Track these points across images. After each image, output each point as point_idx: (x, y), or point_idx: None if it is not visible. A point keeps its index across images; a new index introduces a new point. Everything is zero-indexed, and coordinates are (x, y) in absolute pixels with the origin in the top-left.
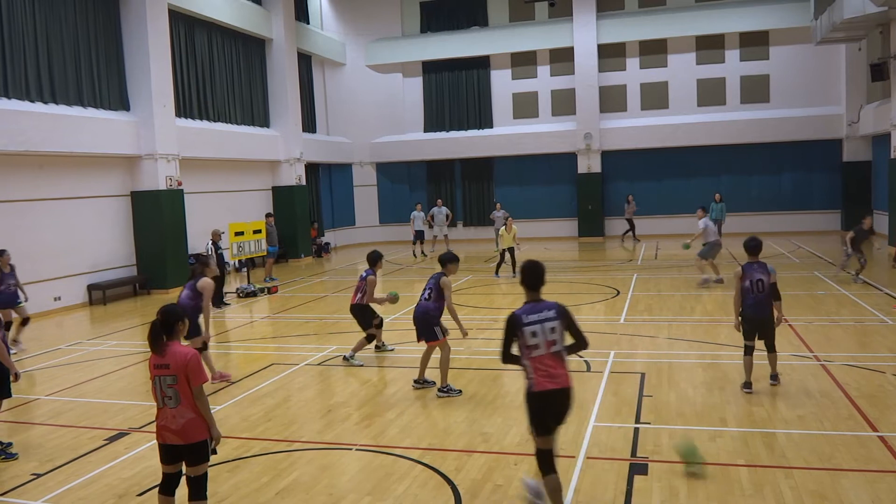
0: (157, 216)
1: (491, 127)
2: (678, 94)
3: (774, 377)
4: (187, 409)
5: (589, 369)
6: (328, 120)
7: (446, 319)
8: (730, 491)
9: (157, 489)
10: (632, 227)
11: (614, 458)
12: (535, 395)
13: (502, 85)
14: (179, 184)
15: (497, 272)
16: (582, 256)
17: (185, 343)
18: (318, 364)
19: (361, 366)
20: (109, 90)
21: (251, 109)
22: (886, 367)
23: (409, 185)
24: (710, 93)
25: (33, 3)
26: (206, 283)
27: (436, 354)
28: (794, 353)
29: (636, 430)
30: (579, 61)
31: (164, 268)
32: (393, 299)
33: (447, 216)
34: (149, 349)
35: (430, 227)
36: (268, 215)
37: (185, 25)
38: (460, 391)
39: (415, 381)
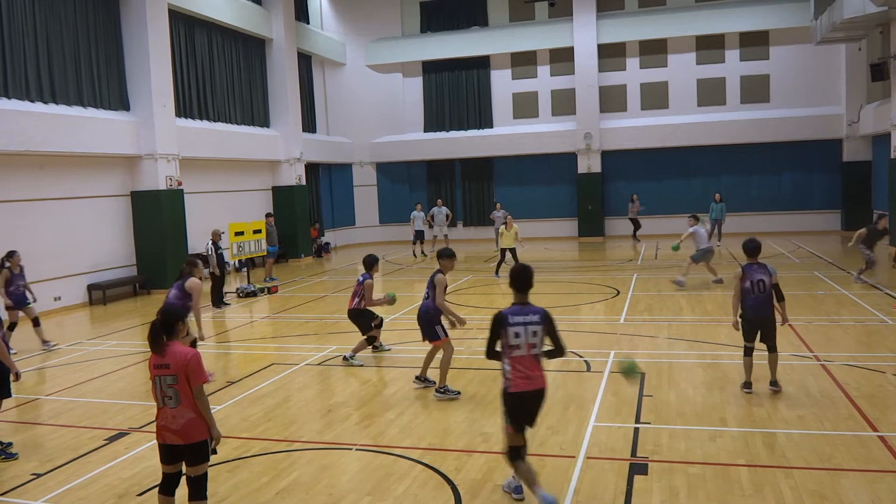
0: (157, 216)
1: (491, 127)
2: (678, 94)
3: (774, 384)
4: (187, 409)
5: (589, 369)
6: (328, 120)
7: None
8: (730, 491)
9: (157, 489)
10: (636, 226)
11: (614, 458)
12: (511, 395)
13: (502, 85)
14: (179, 184)
15: (497, 272)
16: (582, 256)
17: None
18: (318, 364)
19: (361, 366)
20: (109, 90)
21: (251, 109)
22: (886, 367)
23: (409, 185)
24: (710, 93)
25: (33, 3)
26: (193, 283)
27: (438, 354)
28: (794, 353)
29: (636, 430)
30: (579, 61)
31: (164, 268)
32: (390, 301)
33: (447, 216)
34: (149, 349)
35: (430, 227)
36: (268, 215)
37: (185, 25)
38: (459, 392)
39: (416, 378)
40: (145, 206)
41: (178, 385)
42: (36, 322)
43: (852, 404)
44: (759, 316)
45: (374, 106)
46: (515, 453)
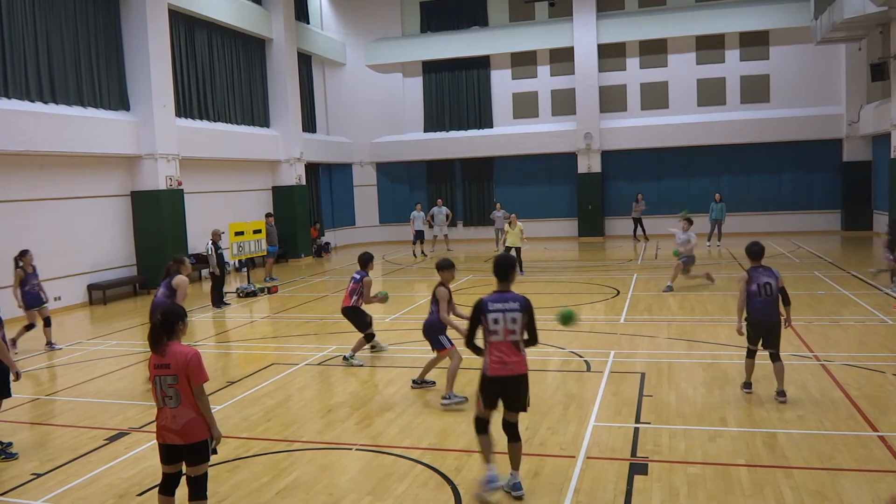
0: (157, 216)
1: (491, 127)
2: (678, 94)
3: (782, 393)
4: (188, 409)
5: (589, 369)
6: (328, 120)
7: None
8: (730, 491)
9: (157, 489)
10: (638, 226)
11: (614, 458)
12: (487, 378)
13: (502, 85)
14: (179, 184)
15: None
16: (582, 256)
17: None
18: (318, 364)
19: (361, 366)
20: (109, 90)
21: (251, 109)
22: (886, 367)
23: (409, 185)
24: (710, 93)
25: (33, 4)
26: (180, 279)
27: (443, 366)
28: (794, 353)
29: (636, 430)
30: (579, 61)
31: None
32: (382, 299)
33: (447, 216)
34: (149, 349)
35: (430, 226)
36: (268, 215)
37: (185, 25)
38: (465, 398)
39: (413, 381)
40: (145, 206)
41: (179, 385)
42: (47, 322)
43: (852, 404)
44: (765, 319)
45: (374, 106)
46: (481, 425)
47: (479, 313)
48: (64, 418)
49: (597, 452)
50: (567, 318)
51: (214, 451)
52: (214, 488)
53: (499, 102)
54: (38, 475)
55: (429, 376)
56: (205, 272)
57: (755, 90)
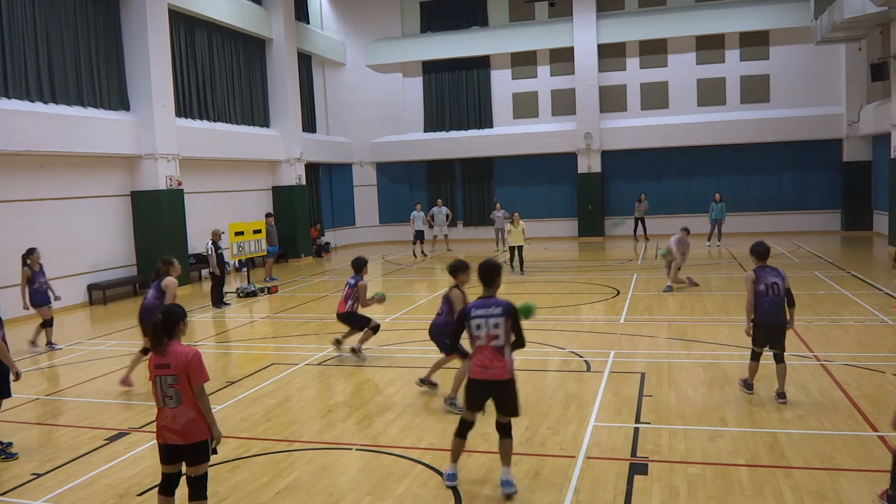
0: (157, 216)
1: (491, 127)
2: (678, 94)
3: (782, 395)
4: (188, 409)
5: (589, 369)
6: (328, 120)
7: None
8: (730, 491)
9: (157, 489)
10: (640, 226)
11: (614, 458)
12: (471, 381)
13: (502, 85)
14: (179, 184)
15: (521, 270)
16: (582, 256)
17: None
18: (318, 364)
19: (365, 359)
20: (109, 90)
21: (251, 109)
22: (886, 367)
23: (409, 185)
24: (710, 93)
25: (33, 4)
26: (169, 281)
27: (451, 366)
28: (794, 353)
29: (636, 430)
30: (579, 61)
31: None
32: (380, 300)
33: (447, 216)
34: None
35: (430, 226)
36: (268, 215)
37: (185, 25)
38: None
39: (420, 379)
40: (145, 206)
41: (179, 385)
42: (50, 322)
43: (852, 404)
44: (773, 319)
45: (374, 106)
46: (462, 428)
47: (463, 319)
48: (64, 418)
49: (597, 452)
50: (528, 312)
51: (214, 451)
52: (214, 488)
53: (499, 102)
54: (39, 475)
55: (434, 377)
56: (205, 272)
57: (755, 90)
